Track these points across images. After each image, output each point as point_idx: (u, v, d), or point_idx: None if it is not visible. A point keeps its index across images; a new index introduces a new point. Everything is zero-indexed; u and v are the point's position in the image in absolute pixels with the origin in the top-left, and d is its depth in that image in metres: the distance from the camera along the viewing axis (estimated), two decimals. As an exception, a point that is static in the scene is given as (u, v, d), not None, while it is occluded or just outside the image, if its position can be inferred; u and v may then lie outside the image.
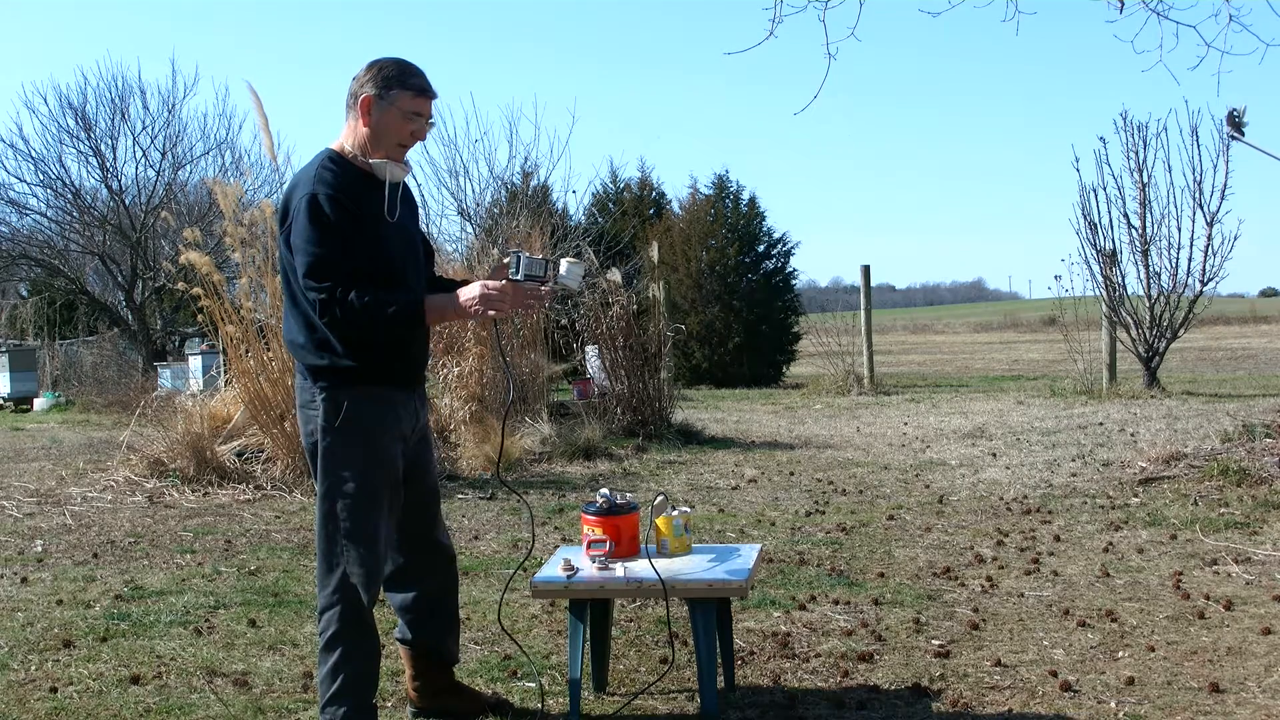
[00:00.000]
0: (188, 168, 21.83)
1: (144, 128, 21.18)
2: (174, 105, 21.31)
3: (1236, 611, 4.66)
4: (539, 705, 3.75)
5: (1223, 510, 6.48)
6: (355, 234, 3.21)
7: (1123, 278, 14.25)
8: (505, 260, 3.37)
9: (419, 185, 20.50)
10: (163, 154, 21.32)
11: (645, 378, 10.80)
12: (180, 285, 9.39)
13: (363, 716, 3.30)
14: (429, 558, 3.59)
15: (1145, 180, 14.05)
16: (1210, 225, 13.79)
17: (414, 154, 3.47)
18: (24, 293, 24.86)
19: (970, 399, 14.62)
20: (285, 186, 3.42)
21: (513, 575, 4.98)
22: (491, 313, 3.22)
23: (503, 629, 4.25)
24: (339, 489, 3.27)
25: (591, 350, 11.84)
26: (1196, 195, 13.80)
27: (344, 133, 3.37)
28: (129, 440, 9.35)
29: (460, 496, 7.90)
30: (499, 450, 4.30)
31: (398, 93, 3.29)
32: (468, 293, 3.24)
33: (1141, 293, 14.28)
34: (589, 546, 3.73)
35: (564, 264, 3.38)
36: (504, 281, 3.29)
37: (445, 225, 26.82)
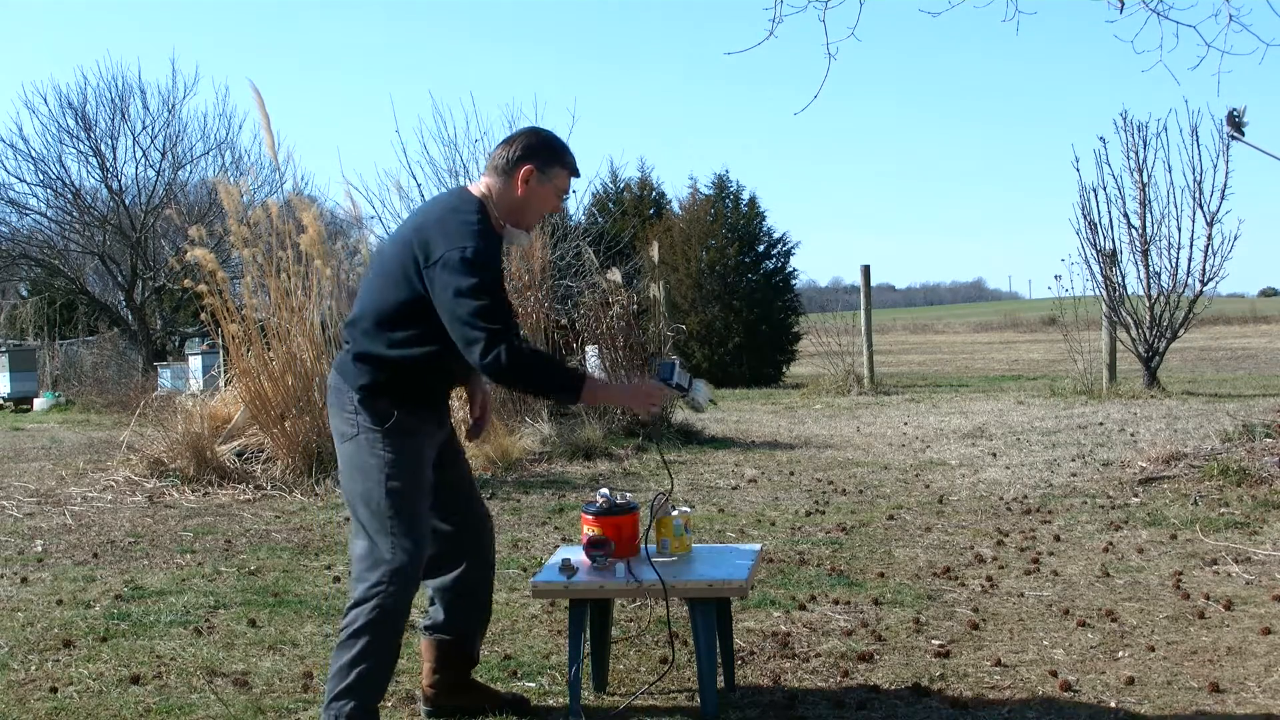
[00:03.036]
0: (188, 168, 21.89)
1: (144, 128, 21.23)
2: (174, 105, 21.36)
3: (1236, 611, 4.66)
4: (539, 704, 3.75)
5: (1223, 510, 6.48)
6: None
7: (1123, 278, 14.27)
8: (658, 360, 3.62)
9: (419, 185, 20.47)
10: (163, 154, 21.35)
11: (645, 378, 10.78)
12: (185, 283, 9.40)
13: (368, 717, 3.31)
14: (472, 532, 3.63)
15: (1145, 180, 14.05)
16: (1210, 225, 13.80)
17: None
18: (24, 293, 24.87)
19: (970, 399, 14.62)
20: (423, 214, 3.43)
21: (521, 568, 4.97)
22: (654, 408, 3.49)
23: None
24: (379, 474, 3.31)
25: (591, 350, 11.83)
26: (1196, 195, 13.81)
27: (486, 183, 3.44)
28: (129, 440, 9.35)
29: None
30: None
31: (558, 170, 3.43)
32: (637, 388, 3.54)
33: (1141, 293, 14.28)
34: (589, 546, 3.73)
35: (699, 382, 3.65)
36: (662, 384, 3.49)
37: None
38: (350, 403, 3.38)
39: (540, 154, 3.40)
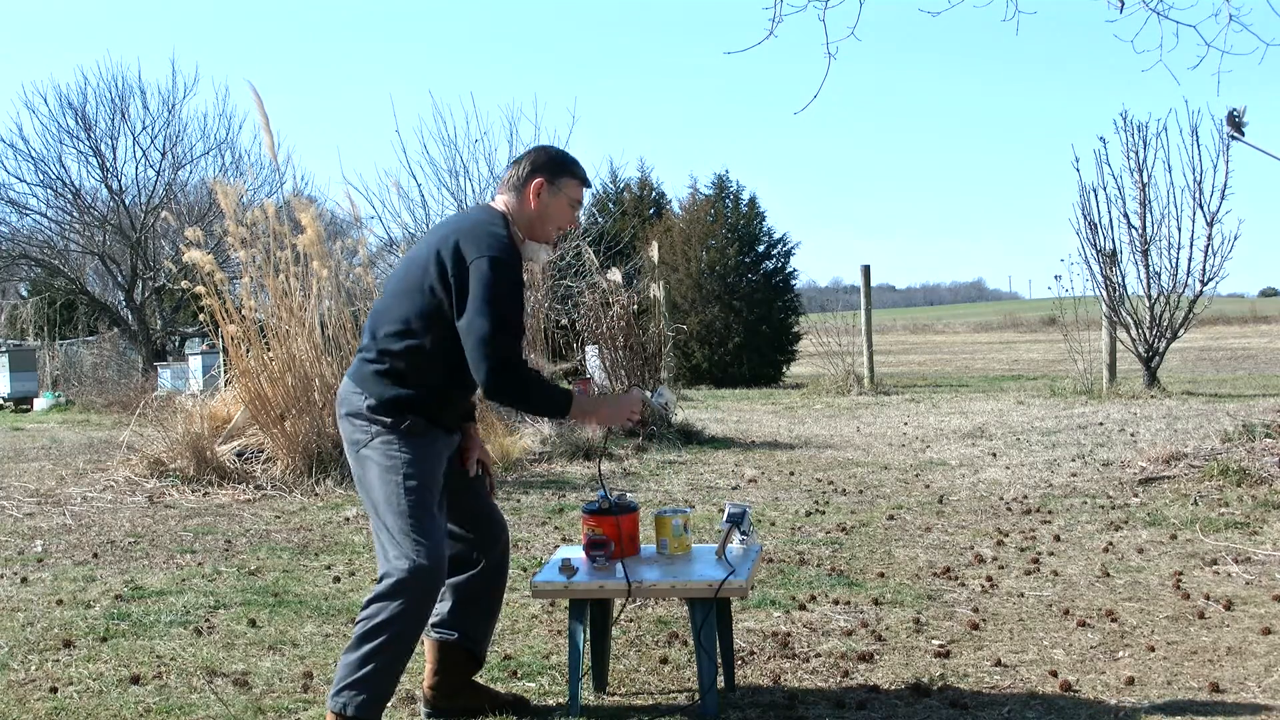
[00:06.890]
0: (188, 168, 21.90)
1: (144, 128, 21.23)
2: (174, 105, 21.37)
3: (1236, 611, 4.66)
4: (541, 703, 3.75)
5: (1223, 510, 6.48)
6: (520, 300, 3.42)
7: (1123, 278, 14.27)
8: (646, 393, 3.84)
9: (419, 185, 20.46)
10: (163, 154, 21.35)
11: (645, 378, 10.80)
12: (184, 284, 9.40)
13: (376, 713, 3.30)
14: (489, 537, 3.66)
15: (1145, 180, 14.05)
16: (1210, 225, 13.79)
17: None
18: (24, 293, 24.89)
19: (970, 399, 14.62)
20: (449, 226, 3.50)
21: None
22: (634, 419, 3.58)
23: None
24: (397, 474, 3.34)
25: (591, 350, 11.84)
26: (1196, 195, 13.81)
27: (504, 200, 3.53)
28: (129, 440, 9.35)
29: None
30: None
31: (567, 180, 3.53)
32: (620, 399, 3.60)
33: (1141, 293, 14.28)
34: (589, 546, 3.73)
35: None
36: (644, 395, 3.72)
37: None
38: (364, 411, 3.41)
39: (548, 167, 3.51)
